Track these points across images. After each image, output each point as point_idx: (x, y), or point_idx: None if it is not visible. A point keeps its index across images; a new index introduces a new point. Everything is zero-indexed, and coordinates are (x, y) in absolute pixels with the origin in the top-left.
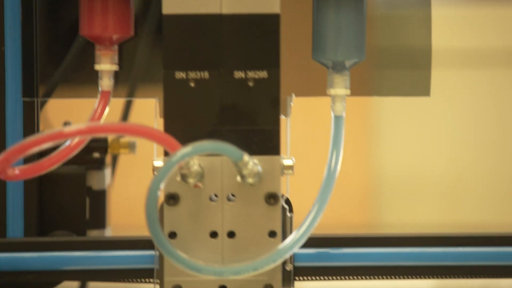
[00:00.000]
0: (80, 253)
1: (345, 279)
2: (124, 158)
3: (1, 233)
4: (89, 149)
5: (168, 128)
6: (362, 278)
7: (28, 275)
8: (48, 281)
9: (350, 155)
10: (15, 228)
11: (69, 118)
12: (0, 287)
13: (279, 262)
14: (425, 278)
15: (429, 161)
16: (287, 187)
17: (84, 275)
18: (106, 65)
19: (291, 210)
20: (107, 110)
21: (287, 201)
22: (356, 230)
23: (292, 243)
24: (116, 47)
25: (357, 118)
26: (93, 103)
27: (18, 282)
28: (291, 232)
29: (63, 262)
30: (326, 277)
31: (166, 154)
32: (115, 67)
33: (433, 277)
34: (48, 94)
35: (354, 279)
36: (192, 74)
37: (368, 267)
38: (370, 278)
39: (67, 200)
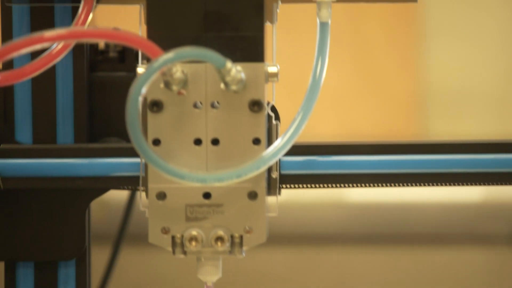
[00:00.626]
0: (130, 159)
1: (332, 187)
2: None
3: (51, 139)
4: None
5: (151, 34)
6: (350, 186)
7: (78, 181)
8: (98, 187)
9: (398, 66)
10: (65, 134)
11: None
12: (51, 192)
13: (262, 169)
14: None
15: (478, 72)
16: (273, 95)
17: (133, 182)
18: None
19: (277, 118)
20: (91, 16)
21: (273, 109)
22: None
23: (275, 151)
24: None
25: (404, 29)
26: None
27: (68, 188)
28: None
29: (113, 169)
30: (313, 185)
31: (148, 61)
32: None
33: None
34: None
35: (341, 187)
36: None
37: (355, 175)
38: (360, 186)
39: (118, 106)
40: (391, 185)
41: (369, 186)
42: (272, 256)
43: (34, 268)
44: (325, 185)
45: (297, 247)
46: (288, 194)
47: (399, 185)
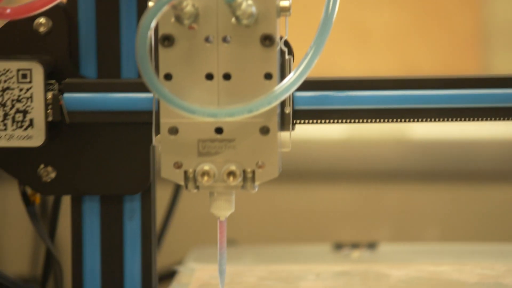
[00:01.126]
0: None
1: (347, 122)
2: None
3: (116, 73)
4: None
5: None
6: (363, 122)
7: (143, 115)
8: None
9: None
10: (130, 68)
11: None
12: (116, 126)
13: (274, 104)
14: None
15: None
16: (286, 29)
17: None
18: None
19: (290, 53)
20: None
21: (286, 44)
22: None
23: (287, 86)
24: None
25: None
26: None
27: (133, 122)
28: None
29: None
30: (327, 121)
31: None
32: None
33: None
34: None
35: (355, 122)
36: None
37: (370, 110)
38: (373, 122)
39: None
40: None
41: (385, 121)
42: (334, 194)
43: (100, 202)
44: (339, 121)
45: (359, 184)
46: (348, 131)
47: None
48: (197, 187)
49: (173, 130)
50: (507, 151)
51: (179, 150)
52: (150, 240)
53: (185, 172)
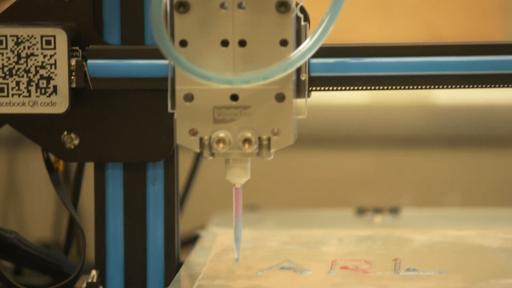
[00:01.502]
0: None
1: (363, 89)
2: None
3: (139, 40)
4: None
5: None
6: (380, 89)
7: (166, 82)
8: None
9: None
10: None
11: None
12: (139, 93)
13: (289, 71)
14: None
15: None
16: None
17: None
18: None
19: (306, 19)
20: None
21: (302, 10)
22: None
23: (303, 52)
24: None
25: None
26: None
27: (157, 89)
28: None
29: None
30: (343, 88)
31: None
32: None
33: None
34: None
35: (371, 89)
36: None
37: (387, 77)
38: (391, 89)
39: None
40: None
41: (405, 88)
42: (357, 159)
43: (123, 169)
44: (356, 88)
45: (381, 150)
46: (371, 96)
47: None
48: (212, 154)
49: (189, 97)
50: None
51: (195, 117)
52: (173, 205)
53: (201, 139)
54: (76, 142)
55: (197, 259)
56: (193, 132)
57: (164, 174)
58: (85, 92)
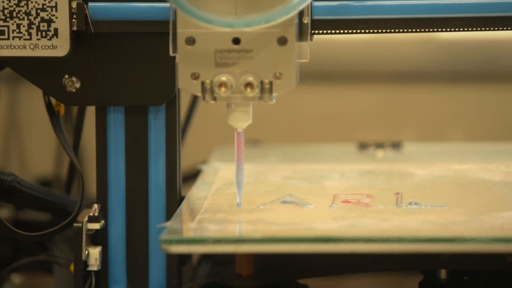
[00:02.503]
0: None
1: (365, 32)
2: None
3: None
4: None
5: None
6: (383, 32)
7: (168, 25)
8: None
9: None
10: None
11: None
12: (141, 36)
13: (292, 14)
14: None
15: None
16: None
17: None
18: None
19: None
20: None
21: None
22: None
23: None
24: None
25: None
26: None
27: (158, 32)
28: None
29: None
30: (345, 31)
31: None
32: None
33: None
34: None
35: (373, 32)
36: None
37: (391, 20)
38: (392, 32)
39: None
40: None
41: (408, 31)
42: (359, 95)
43: (124, 113)
44: (358, 31)
45: (384, 85)
46: None
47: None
48: (214, 98)
49: (190, 40)
50: None
51: (196, 61)
52: (174, 140)
53: (202, 83)
54: (78, 85)
55: (198, 194)
56: (195, 76)
57: (166, 118)
58: (86, 35)
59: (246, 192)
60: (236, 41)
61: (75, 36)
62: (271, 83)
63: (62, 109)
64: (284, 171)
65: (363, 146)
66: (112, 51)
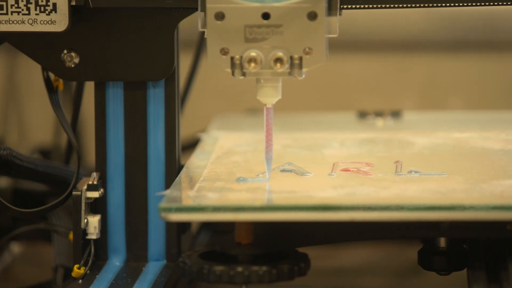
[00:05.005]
0: None
1: (398, 7)
2: None
3: None
4: None
5: None
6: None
7: (167, 0)
8: (187, 6)
9: None
10: None
11: None
12: (140, 12)
13: None
14: None
15: None
16: None
17: None
18: None
19: None
20: None
21: None
22: None
23: None
24: None
25: None
26: None
27: (157, 7)
28: None
29: None
30: (375, 6)
31: None
32: None
33: None
34: None
35: (402, 7)
36: None
37: None
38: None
39: None
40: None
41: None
42: (359, 63)
43: (123, 88)
44: (388, 6)
45: (384, 53)
46: None
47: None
48: (243, 74)
49: (220, 16)
50: None
51: (226, 36)
52: (173, 109)
53: (232, 59)
54: (77, 60)
55: (198, 162)
56: (224, 52)
57: (165, 94)
58: (85, 10)
59: (246, 160)
60: (266, 16)
61: (74, 11)
62: (300, 58)
63: (61, 84)
64: (283, 140)
65: (363, 114)
66: (111, 26)
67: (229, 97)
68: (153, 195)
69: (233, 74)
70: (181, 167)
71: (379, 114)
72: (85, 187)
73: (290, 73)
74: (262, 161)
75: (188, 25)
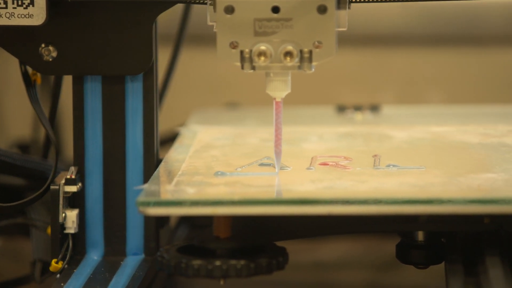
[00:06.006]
0: None
1: (406, 0)
2: None
3: None
4: None
5: None
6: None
7: None
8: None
9: None
10: None
11: None
12: (118, 5)
13: None
14: None
15: None
16: None
17: None
18: None
19: None
20: None
21: None
22: None
23: None
24: None
25: None
26: None
27: (135, 1)
28: None
29: None
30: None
31: None
32: None
33: None
34: None
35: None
36: None
37: None
38: None
39: None
40: None
41: None
42: (338, 57)
43: (101, 82)
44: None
45: (363, 47)
46: None
47: None
48: (253, 68)
49: (229, 9)
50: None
51: (235, 30)
52: (152, 103)
53: (241, 52)
54: (54, 54)
55: (176, 156)
56: (234, 45)
57: (143, 87)
58: (63, 4)
59: (224, 154)
60: (276, 9)
61: (51, 5)
62: (310, 52)
63: (39, 78)
64: (262, 134)
65: (341, 108)
66: (89, 19)
67: (208, 91)
68: (131, 189)
69: (242, 68)
70: (159, 161)
71: (358, 108)
72: (63, 181)
73: (299, 67)
74: (241, 155)
75: (167, 19)
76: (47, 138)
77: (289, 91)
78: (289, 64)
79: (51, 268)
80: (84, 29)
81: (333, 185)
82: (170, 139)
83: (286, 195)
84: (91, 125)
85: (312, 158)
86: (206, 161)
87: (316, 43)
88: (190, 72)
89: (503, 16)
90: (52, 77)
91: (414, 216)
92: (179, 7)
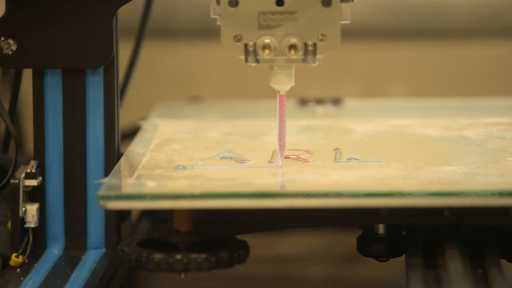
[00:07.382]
0: None
1: None
2: None
3: None
4: None
5: None
6: None
7: None
8: None
9: None
10: None
11: None
12: None
13: None
14: None
15: None
16: None
17: None
18: None
19: None
20: None
21: None
22: None
23: None
24: None
25: None
26: None
27: None
28: None
29: None
30: None
31: None
32: None
33: None
34: None
35: None
36: None
37: None
38: None
39: None
40: None
41: None
42: None
43: (62, 76)
44: None
45: None
46: None
47: None
48: (257, 61)
49: (233, 2)
50: (474, 9)
51: (239, 23)
52: (113, 97)
53: (246, 45)
54: (14, 48)
55: (137, 150)
56: (238, 38)
57: (104, 81)
58: None
59: (186, 148)
60: (280, 2)
61: None
62: (314, 45)
63: None
64: (223, 127)
65: (303, 102)
66: (50, 13)
67: (169, 85)
68: (92, 183)
69: (246, 61)
70: (120, 155)
71: (319, 101)
72: (23, 175)
73: (304, 60)
74: (202, 149)
75: (128, 12)
76: (7, 132)
77: (293, 84)
78: (294, 57)
79: (11, 263)
80: (44, 22)
81: (294, 178)
82: (131, 133)
83: (247, 189)
84: (52, 119)
85: (273, 151)
86: (167, 155)
87: (320, 36)
88: (152, 65)
89: (465, 10)
90: (12, 71)
91: (375, 209)
92: (140, 0)
